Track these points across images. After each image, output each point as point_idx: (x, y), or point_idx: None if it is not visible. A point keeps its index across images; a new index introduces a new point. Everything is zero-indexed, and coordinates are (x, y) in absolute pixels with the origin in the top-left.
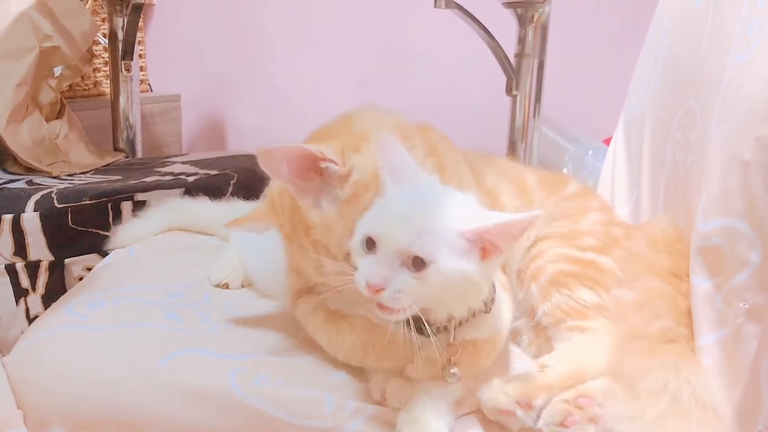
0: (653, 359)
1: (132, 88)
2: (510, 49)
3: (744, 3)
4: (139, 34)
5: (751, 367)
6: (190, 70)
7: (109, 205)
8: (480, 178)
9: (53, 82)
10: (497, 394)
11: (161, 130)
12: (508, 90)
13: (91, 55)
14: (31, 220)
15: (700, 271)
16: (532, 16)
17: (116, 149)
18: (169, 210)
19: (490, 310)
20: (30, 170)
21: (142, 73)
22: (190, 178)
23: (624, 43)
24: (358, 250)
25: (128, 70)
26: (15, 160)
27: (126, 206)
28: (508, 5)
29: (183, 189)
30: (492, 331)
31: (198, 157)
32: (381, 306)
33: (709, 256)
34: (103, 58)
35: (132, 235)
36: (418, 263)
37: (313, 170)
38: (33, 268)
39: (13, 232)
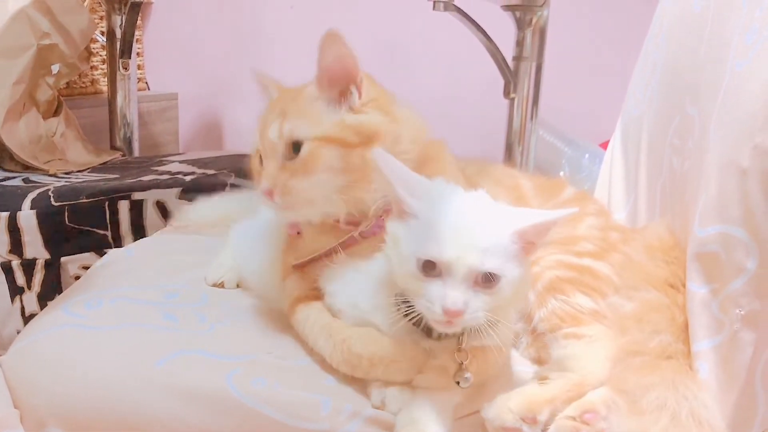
0: (653, 376)
1: (129, 87)
2: (508, 52)
3: (743, 10)
4: (137, 33)
5: (747, 373)
6: (187, 69)
7: (106, 203)
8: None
9: (51, 80)
10: (502, 412)
11: (158, 129)
12: (506, 93)
13: (88, 53)
14: (27, 218)
15: (696, 278)
16: (531, 20)
17: (113, 148)
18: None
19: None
20: (27, 168)
21: (140, 71)
22: (188, 178)
23: (622, 48)
24: (414, 274)
25: (126, 69)
26: (12, 157)
27: (123, 205)
28: (507, 8)
29: (180, 188)
30: (499, 342)
31: (195, 156)
32: (447, 323)
33: (706, 262)
34: (100, 56)
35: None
36: (488, 279)
37: (341, 82)
38: (29, 267)
39: (9, 230)
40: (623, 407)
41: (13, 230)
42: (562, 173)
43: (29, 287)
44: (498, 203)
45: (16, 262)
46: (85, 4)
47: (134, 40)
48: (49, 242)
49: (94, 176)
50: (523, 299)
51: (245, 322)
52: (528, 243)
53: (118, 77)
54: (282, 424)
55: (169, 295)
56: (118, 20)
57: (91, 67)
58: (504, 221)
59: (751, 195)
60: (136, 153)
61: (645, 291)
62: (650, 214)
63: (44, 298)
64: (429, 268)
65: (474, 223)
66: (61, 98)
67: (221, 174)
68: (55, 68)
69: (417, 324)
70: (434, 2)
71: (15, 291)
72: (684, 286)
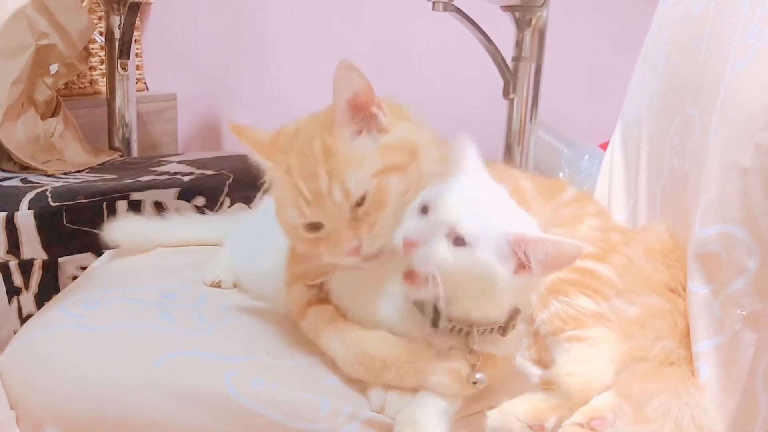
0: (657, 382)
1: (128, 87)
2: (507, 53)
3: (743, 10)
4: (135, 33)
5: (748, 373)
6: (186, 70)
7: (104, 204)
8: None
9: (49, 80)
10: (509, 420)
11: (157, 130)
12: (506, 93)
13: (87, 54)
14: (25, 218)
15: (697, 278)
16: (530, 20)
17: (112, 148)
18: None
19: (506, 333)
20: (25, 168)
21: (139, 71)
22: (186, 178)
23: (622, 48)
24: (412, 212)
25: (124, 69)
26: (10, 157)
27: (121, 205)
28: (506, 9)
29: (179, 189)
30: (507, 352)
31: (194, 156)
32: (408, 275)
33: (707, 262)
34: (99, 56)
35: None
36: (459, 242)
37: (362, 110)
38: (26, 267)
39: (6, 230)
40: (629, 413)
41: (11, 230)
42: (561, 174)
43: (27, 288)
44: (515, 205)
45: (13, 263)
46: (84, 4)
47: (133, 40)
48: (46, 243)
49: (93, 176)
50: (492, 305)
51: (243, 322)
52: (525, 259)
53: (117, 77)
54: (280, 425)
55: (167, 295)
56: (116, 21)
57: (90, 68)
58: (506, 218)
59: (752, 195)
60: (135, 153)
61: (647, 296)
62: (651, 215)
63: (42, 299)
64: (424, 211)
65: (482, 198)
66: (60, 98)
67: (220, 174)
68: (53, 68)
69: (422, 311)
70: (434, 3)
71: (12, 291)
72: (684, 290)
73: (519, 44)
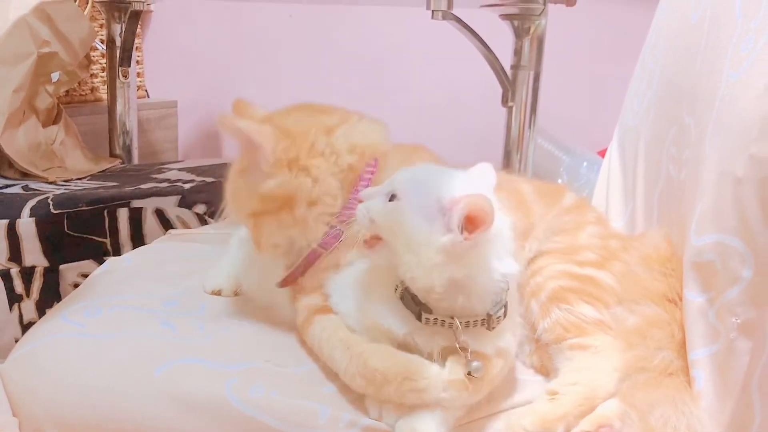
0: (658, 393)
1: (129, 95)
2: (506, 61)
3: (738, 21)
4: (136, 41)
5: (743, 381)
6: (187, 77)
7: (105, 211)
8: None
9: (50, 88)
10: None
11: (157, 137)
12: (504, 101)
13: (88, 61)
14: (26, 225)
15: (693, 286)
16: (529, 28)
17: (112, 155)
18: None
19: (491, 326)
20: (26, 176)
21: (139, 79)
22: (187, 185)
23: (619, 57)
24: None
25: (125, 77)
26: (11, 165)
27: (122, 213)
28: (505, 17)
29: (179, 196)
30: (496, 350)
31: (194, 164)
32: (365, 241)
33: (702, 271)
34: (100, 64)
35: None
36: (392, 198)
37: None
38: (27, 274)
39: (8, 237)
40: (636, 422)
41: (12, 238)
42: (560, 181)
43: (28, 295)
44: (480, 182)
45: (15, 270)
46: (86, 12)
47: (134, 48)
48: (48, 250)
49: (94, 184)
50: (427, 267)
51: (244, 330)
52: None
53: (118, 85)
54: None
55: (168, 303)
56: (117, 28)
57: (91, 75)
58: (445, 187)
59: (746, 204)
60: (136, 160)
61: (645, 305)
62: (648, 223)
63: (43, 306)
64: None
65: (430, 171)
66: (61, 106)
67: (220, 181)
68: (54, 76)
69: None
70: (432, 11)
71: (13, 298)
72: (681, 299)
73: (517, 52)
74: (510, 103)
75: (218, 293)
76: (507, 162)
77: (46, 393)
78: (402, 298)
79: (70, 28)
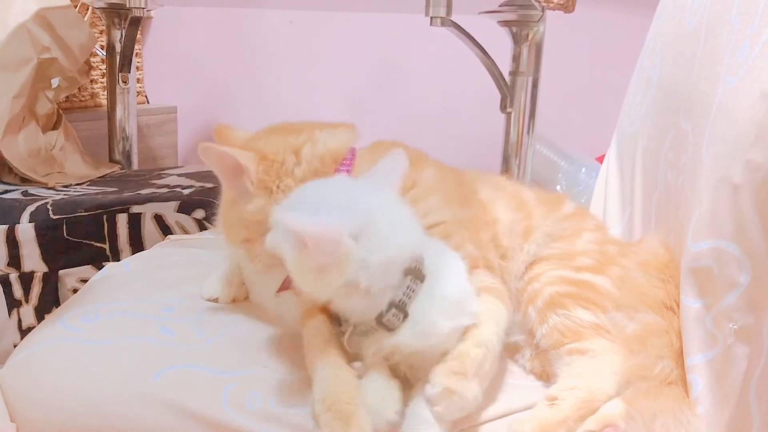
0: (659, 402)
1: (129, 100)
2: (505, 67)
3: (735, 27)
4: (136, 47)
5: (741, 387)
6: (186, 83)
7: (104, 217)
8: (473, 194)
9: (50, 94)
10: None
11: (157, 142)
12: (503, 107)
13: (88, 67)
14: (25, 231)
15: (690, 292)
16: (527, 35)
17: (112, 161)
18: None
19: (383, 325)
20: (25, 181)
21: (139, 85)
22: (186, 191)
23: (617, 63)
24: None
25: (125, 82)
26: (11, 170)
27: (121, 218)
28: (504, 24)
29: (179, 202)
30: (436, 345)
31: (193, 169)
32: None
33: (699, 276)
34: (100, 69)
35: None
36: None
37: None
38: (26, 280)
39: (7, 242)
40: (641, 425)
41: (12, 243)
42: (558, 187)
43: (27, 300)
44: (358, 190)
45: (13, 275)
46: (86, 18)
47: (134, 54)
48: (47, 255)
49: (93, 189)
50: (319, 292)
51: (242, 336)
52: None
53: (118, 91)
54: None
55: (167, 308)
56: (117, 34)
57: (91, 81)
58: (298, 207)
59: (743, 210)
60: (135, 166)
61: (644, 313)
62: (645, 229)
63: (42, 311)
64: None
65: (316, 186)
66: (61, 111)
67: (219, 187)
68: (54, 82)
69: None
70: (431, 18)
71: (12, 304)
72: (679, 307)
73: (516, 59)
74: (508, 109)
75: (215, 300)
76: (505, 167)
77: (44, 398)
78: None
79: (70, 34)
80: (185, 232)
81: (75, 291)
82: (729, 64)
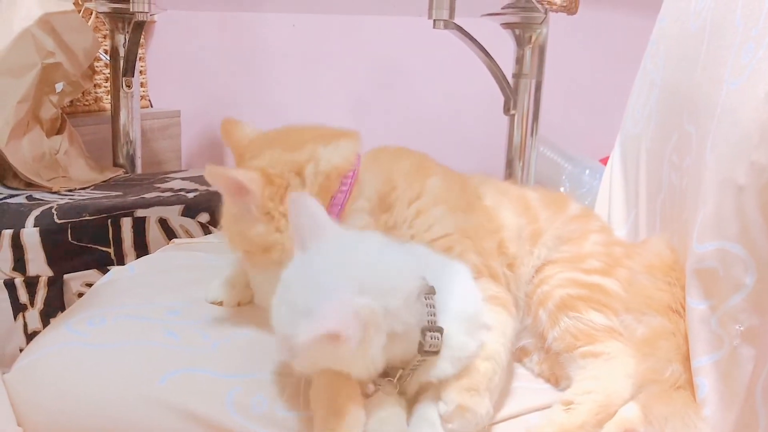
0: (669, 406)
1: (132, 104)
2: (508, 70)
3: (738, 29)
4: (140, 51)
5: (747, 389)
6: (190, 87)
7: (109, 221)
8: (479, 199)
9: (54, 98)
10: None
11: (161, 146)
12: (506, 109)
13: (92, 72)
14: (30, 235)
15: (696, 293)
16: (530, 37)
17: (116, 165)
18: None
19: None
20: (30, 185)
21: (143, 89)
22: (190, 195)
23: (620, 65)
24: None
25: (129, 87)
26: (15, 175)
27: (126, 222)
28: (507, 26)
29: (183, 205)
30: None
31: (197, 173)
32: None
33: (705, 278)
34: (104, 74)
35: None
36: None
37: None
38: (32, 284)
39: (12, 247)
40: (657, 426)
41: (17, 247)
42: (562, 189)
43: (32, 304)
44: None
45: (19, 280)
46: (90, 23)
47: (137, 58)
48: (52, 259)
49: (97, 193)
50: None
51: (247, 339)
52: None
53: (121, 95)
54: None
55: (172, 312)
56: (121, 39)
57: (95, 85)
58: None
59: (747, 211)
60: (139, 170)
61: (651, 316)
62: (650, 230)
63: (47, 315)
64: None
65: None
66: (65, 116)
67: None
68: (59, 86)
69: None
70: (434, 20)
71: (18, 308)
72: (685, 310)
73: (519, 61)
74: (512, 111)
75: (220, 304)
76: (509, 170)
77: (50, 403)
78: None
79: (74, 38)
80: (190, 235)
81: (80, 295)
82: (733, 66)
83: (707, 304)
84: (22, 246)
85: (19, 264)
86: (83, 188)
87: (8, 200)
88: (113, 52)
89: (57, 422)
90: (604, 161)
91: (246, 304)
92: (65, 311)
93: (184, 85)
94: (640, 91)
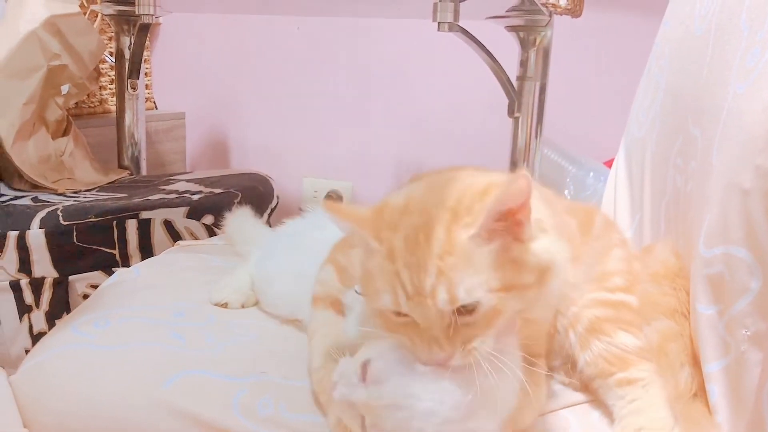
0: (691, 422)
1: (137, 106)
2: (512, 72)
3: (744, 34)
4: (145, 53)
5: (755, 394)
6: (195, 89)
7: (114, 222)
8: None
9: (60, 100)
10: None
11: (166, 148)
12: (510, 112)
13: (97, 74)
14: (36, 237)
15: (703, 298)
16: (534, 40)
17: (121, 167)
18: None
19: None
20: (35, 187)
21: (148, 91)
22: (195, 197)
23: (625, 67)
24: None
25: (134, 89)
26: (21, 177)
27: (131, 224)
28: (511, 29)
29: (188, 207)
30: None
31: (202, 175)
32: None
33: (712, 283)
34: (109, 76)
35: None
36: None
37: (508, 217)
38: (37, 285)
39: (18, 248)
40: None
41: (22, 249)
42: (566, 192)
43: (37, 306)
44: None
45: (24, 281)
46: (95, 25)
47: (142, 60)
48: (57, 261)
49: (103, 195)
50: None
51: (252, 341)
52: None
53: (127, 97)
54: None
55: (177, 314)
56: (126, 41)
57: (100, 87)
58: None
59: (753, 216)
60: (144, 172)
61: (658, 320)
62: (655, 234)
63: (52, 317)
64: None
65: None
66: (70, 118)
67: (228, 192)
68: (64, 88)
69: None
70: (438, 23)
71: (23, 309)
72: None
73: (523, 64)
74: (516, 114)
75: (224, 306)
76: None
77: (56, 404)
78: None
79: (79, 41)
80: (194, 237)
81: (85, 296)
82: (738, 70)
83: (715, 309)
84: (27, 247)
85: (25, 265)
86: (88, 190)
87: (14, 202)
88: (118, 55)
89: (63, 424)
90: (609, 164)
91: (250, 307)
92: (71, 313)
93: (189, 87)
94: (644, 94)
